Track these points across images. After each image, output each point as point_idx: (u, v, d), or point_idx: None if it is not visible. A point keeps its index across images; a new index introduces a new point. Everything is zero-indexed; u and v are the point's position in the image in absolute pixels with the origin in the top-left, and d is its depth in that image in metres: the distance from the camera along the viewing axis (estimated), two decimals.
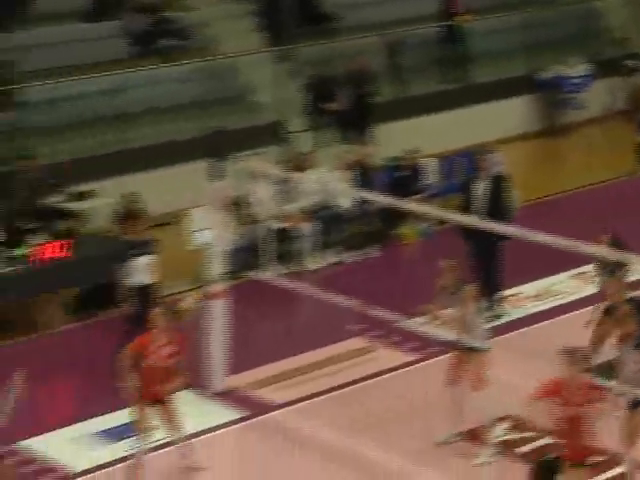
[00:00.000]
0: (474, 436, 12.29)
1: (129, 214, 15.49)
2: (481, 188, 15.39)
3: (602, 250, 12.61)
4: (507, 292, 15.92)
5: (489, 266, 15.36)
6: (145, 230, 14.21)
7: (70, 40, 19.89)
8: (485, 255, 15.20)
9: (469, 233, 14.68)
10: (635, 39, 25.18)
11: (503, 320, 15.38)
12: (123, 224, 15.64)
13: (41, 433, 12.79)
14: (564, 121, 23.55)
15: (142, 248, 13.97)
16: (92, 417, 13.01)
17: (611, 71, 24.25)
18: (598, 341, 13.23)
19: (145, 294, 13.86)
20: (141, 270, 13.93)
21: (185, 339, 11.51)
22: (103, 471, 11.99)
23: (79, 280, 15.80)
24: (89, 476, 11.94)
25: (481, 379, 12.04)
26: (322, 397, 13.54)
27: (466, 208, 15.20)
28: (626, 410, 11.11)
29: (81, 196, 17.37)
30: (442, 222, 16.29)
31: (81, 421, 12.99)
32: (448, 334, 12.54)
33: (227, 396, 13.43)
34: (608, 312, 13.00)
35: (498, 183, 15.61)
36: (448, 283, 12.21)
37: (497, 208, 15.09)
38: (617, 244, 13.27)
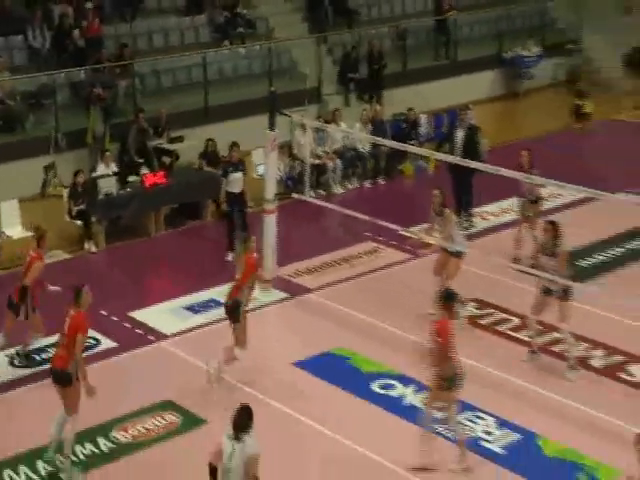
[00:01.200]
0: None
1: (230, 146, 14.63)
2: (460, 136, 14.99)
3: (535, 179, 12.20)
4: (477, 210, 15.52)
5: (465, 192, 15.02)
6: (238, 156, 14.04)
7: (170, 28, 19.52)
8: (462, 184, 14.84)
9: (451, 168, 14.45)
10: (574, 29, 24.34)
11: (473, 230, 14.99)
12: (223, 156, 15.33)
13: (145, 307, 12.64)
14: (520, 89, 22.98)
15: (237, 167, 13.94)
16: (180, 296, 12.85)
17: (556, 52, 23.57)
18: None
19: (238, 199, 13.96)
20: (236, 182, 13.91)
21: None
22: (188, 334, 11.86)
23: (174, 200, 15.55)
24: (177, 338, 11.80)
25: (455, 272, 11.88)
26: (344, 283, 13.31)
27: (450, 150, 14.82)
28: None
29: (175, 140, 17.00)
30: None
31: (172, 299, 12.82)
32: (435, 240, 12.31)
33: (276, 282, 13.20)
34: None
35: (472, 132, 15.19)
36: (435, 206, 11.94)
37: (471, 150, 14.69)
38: (531, 161, 13.21)
